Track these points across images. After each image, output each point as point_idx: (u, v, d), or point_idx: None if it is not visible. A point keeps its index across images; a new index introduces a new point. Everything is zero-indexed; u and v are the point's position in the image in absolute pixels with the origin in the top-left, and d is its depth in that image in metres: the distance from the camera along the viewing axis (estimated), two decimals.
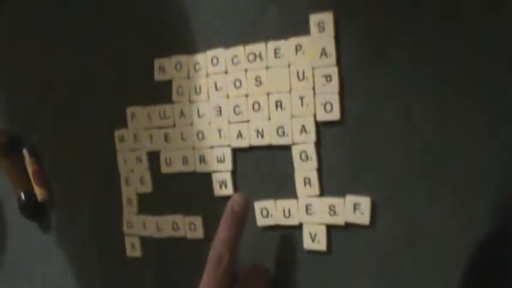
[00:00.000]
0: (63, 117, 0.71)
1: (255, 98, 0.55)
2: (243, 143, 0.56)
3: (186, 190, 0.61)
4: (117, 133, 0.65)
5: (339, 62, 0.51)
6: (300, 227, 0.54)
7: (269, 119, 0.55)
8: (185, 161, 0.60)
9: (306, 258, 0.54)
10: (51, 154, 0.73)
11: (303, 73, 0.52)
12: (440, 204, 0.47)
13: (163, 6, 0.61)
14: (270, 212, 0.55)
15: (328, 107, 0.51)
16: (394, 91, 0.49)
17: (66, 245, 0.74)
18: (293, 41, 0.53)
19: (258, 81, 0.55)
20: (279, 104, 0.54)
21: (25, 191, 0.74)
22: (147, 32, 0.63)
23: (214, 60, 0.58)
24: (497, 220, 0.45)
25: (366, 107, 0.50)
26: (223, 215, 0.51)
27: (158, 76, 0.62)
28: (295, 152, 0.53)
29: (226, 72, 0.57)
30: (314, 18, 0.52)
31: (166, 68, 0.61)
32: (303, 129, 0.53)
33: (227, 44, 0.57)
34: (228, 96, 0.57)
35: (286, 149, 0.54)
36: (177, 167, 0.61)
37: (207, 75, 0.58)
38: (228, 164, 0.58)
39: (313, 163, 0.52)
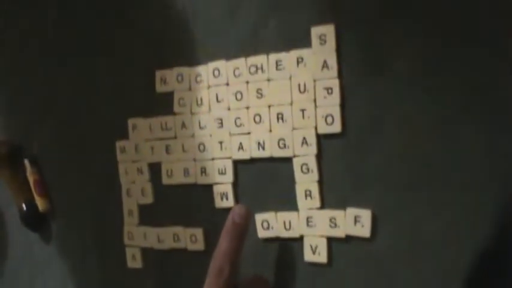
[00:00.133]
0: (64, 128, 0.71)
1: (256, 110, 0.55)
2: (244, 155, 0.56)
3: (187, 202, 0.61)
4: (119, 144, 0.65)
5: (340, 75, 0.51)
6: (300, 239, 0.54)
7: (270, 131, 0.55)
8: (186, 172, 0.60)
9: (306, 271, 0.54)
10: (53, 164, 0.73)
11: (304, 85, 0.52)
12: (441, 216, 0.47)
13: (164, 18, 0.62)
14: (271, 224, 0.55)
15: (329, 119, 0.51)
16: (395, 103, 0.49)
17: (67, 255, 0.74)
18: (294, 54, 0.53)
19: (259, 93, 0.55)
20: (280, 116, 0.54)
21: (26, 201, 0.74)
22: (148, 44, 0.63)
23: (216, 72, 0.58)
24: (498, 231, 0.45)
25: (367, 120, 0.50)
26: (224, 226, 0.51)
27: (160, 88, 0.62)
28: (296, 164, 0.53)
29: (227, 84, 0.57)
30: (315, 31, 0.52)
31: (167, 79, 0.61)
32: (304, 141, 0.53)
33: (228, 56, 0.57)
34: (229, 108, 0.57)
35: (287, 161, 0.54)
36: (178, 178, 0.61)
37: (209, 87, 0.58)
38: (229, 176, 0.58)
39: (314, 175, 0.52)
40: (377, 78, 0.49)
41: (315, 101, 0.52)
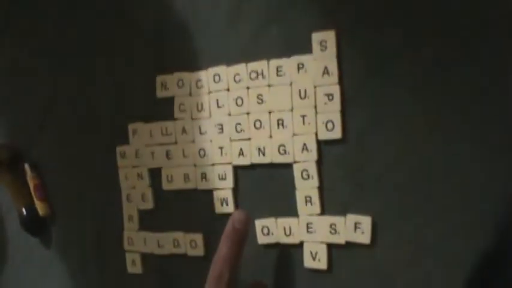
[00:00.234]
0: (64, 132, 0.71)
1: (256, 116, 0.55)
2: (245, 161, 0.56)
3: (187, 207, 0.61)
4: (119, 149, 0.65)
5: (340, 81, 0.51)
6: (300, 245, 0.54)
7: (270, 137, 0.55)
8: (186, 178, 0.60)
9: (306, 277, 0.54)
10: (53, 169, 0.73)
11: (305, 91, 0.52)
12: (442, 223, 0.47)
13: (165, 23, 0.62)
14: (271, 230, 0.55)
15: (329, 125, 0.51)
16: (396, 110, 0.49)
17: (67, 260, 0.74)
18: (295, 60, 0.53)
19: (260, 99, 0.55)
20: (280, 122, 0.54)
21: (26, 206, 0.74)
22: (149, 49, 0.63)
23: (216, 78, 0.58)
24: (499, 238, 0.45)
25: (368, 126, 0.50)
26: (224, 232, 0.51)
27: (160, 93, 0.62)
28: (297, 170, 0.53)
29: (228, 90, 0.57)
30: (316, 37, 0.52)
31: (168, 84, 0.61)
32: (305, 147, 0.53)
33: (229, 62, 0.57)
34: (229, 114, 0.57)
35: (288, 167, 0.54)
36: (179, 184, 0.61)
37: (209, 92, 0.58)
38: (229, 182, 0.58)
39: (315, 181, 0.52)
40: (377, 84, 0.49)
41: (315, 107, 0.52)
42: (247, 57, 0.56)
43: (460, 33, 0.46)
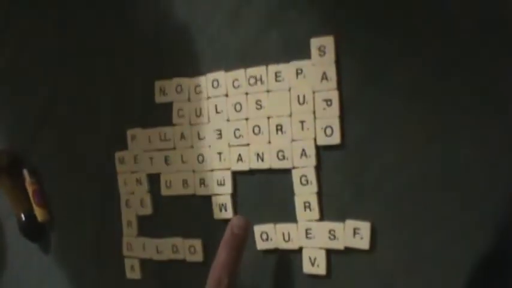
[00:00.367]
0: (63, 138, 0.71)
1: (255, 122, 0.55)
2: (243, 167, 0.56)
3: (186, 213, 0.61)
4: (118, 155, 0.65)
5: (339, 86, 0.51)
6: (299, 251, 0.54)
7: (269, 142, 0.55)
8: (185, 183, 0.60)
9: (305, 283, 0.54)
10: (52, 175, 0.73)
11: (304, 97, 0.52)
12: (440, 229, 0.47)
13: (164, 29, 0.62)
14: (270, 235, 0.55)
15: (328, 131, 0.51)
16: (395, 115, 0.49)
17: (66, 266, 0.74)
18: (294, 65, 0.53)
19: (259, 104, 0.55)
20: (279, 128, 0.54)
21: (25, 211, 0.74)
22: (148, 54, 0.63)
23: (215, 83, 0.58)
24: (498, 244, 0.45)
25: (367, 131, 0.50)
26: (223, 237, 0.51)
27: (159, 98, 0.62)
28: (295, 175, 0.53)
29: (226, 95, 0.57)
30: (315, 42, 0.52)
31: (167, 90, 0.61)
32: (303, 153, 0.53)
33: (228, 67, 0.57)
34: (228, 120, 0.57)
35: (286, 172, 0.54)
36: (177, 189, 0.61)
37: (208, 98, 0.58)
38: (228, 187, 0.57)
39: (313, 187, 0.52)
40: (376, 89, 0.49)
41: (314, 112, 0.52)
42: (246, 62, 0.56)
43: (460, 36, 0.46)
